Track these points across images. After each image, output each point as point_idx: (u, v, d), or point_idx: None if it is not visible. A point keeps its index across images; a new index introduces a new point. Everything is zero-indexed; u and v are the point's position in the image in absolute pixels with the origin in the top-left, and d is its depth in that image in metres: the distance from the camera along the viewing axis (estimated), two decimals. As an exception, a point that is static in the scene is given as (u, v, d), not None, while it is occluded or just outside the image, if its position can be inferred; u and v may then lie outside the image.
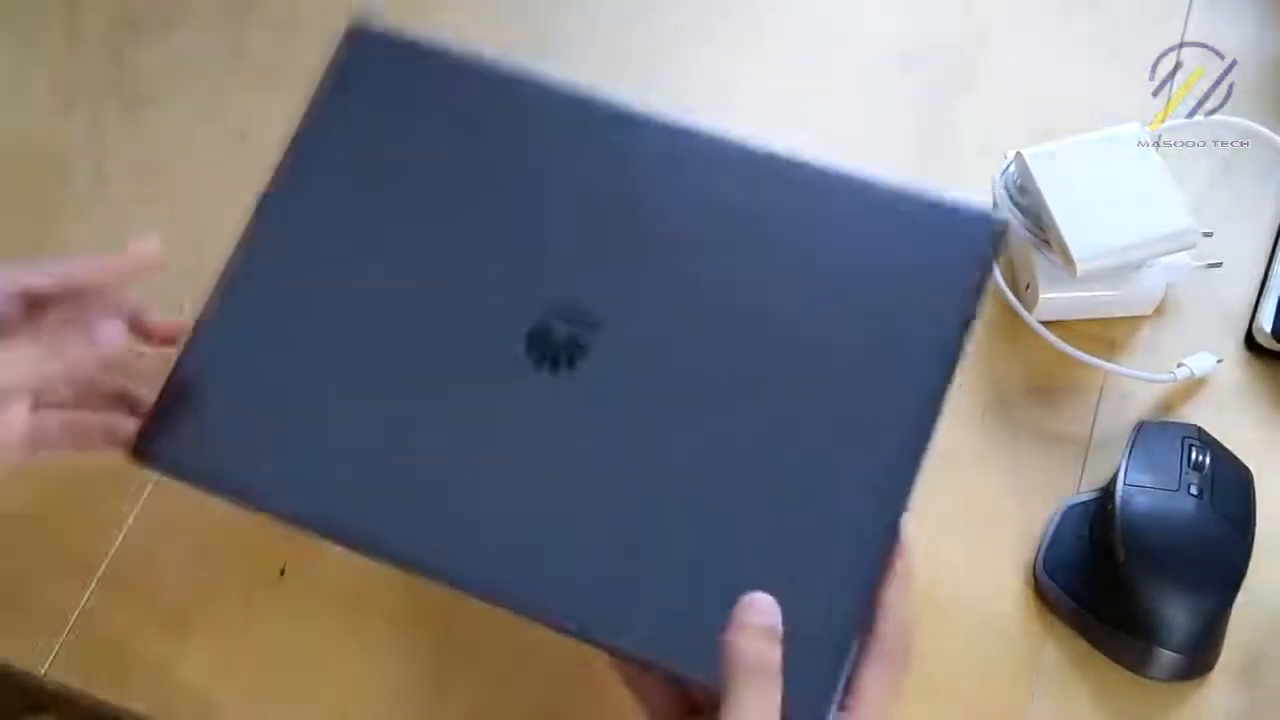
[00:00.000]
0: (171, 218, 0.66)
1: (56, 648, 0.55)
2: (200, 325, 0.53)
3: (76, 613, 0.56)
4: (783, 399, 0.48)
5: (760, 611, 0.43)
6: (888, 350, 0.48)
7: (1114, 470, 0.56)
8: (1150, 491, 0.54)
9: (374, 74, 0.56)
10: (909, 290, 0.48)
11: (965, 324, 0.47)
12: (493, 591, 0.48)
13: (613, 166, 0.52)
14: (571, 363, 0.49)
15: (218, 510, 0.56)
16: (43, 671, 0.55)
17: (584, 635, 0.46)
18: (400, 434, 0.50)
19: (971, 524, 0.59)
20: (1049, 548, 0.57)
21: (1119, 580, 0.54)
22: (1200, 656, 0.54)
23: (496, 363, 0.49)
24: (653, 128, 0.52)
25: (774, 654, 0.42)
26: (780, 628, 0.43)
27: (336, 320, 0.52)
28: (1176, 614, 0.53)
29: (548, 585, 0.47)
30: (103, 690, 0.54)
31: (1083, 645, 0.56)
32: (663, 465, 0.48)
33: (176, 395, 0.51)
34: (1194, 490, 0.54)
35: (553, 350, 0.49)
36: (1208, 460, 0.55)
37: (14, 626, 0.55)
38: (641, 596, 0.46)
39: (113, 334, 0.50)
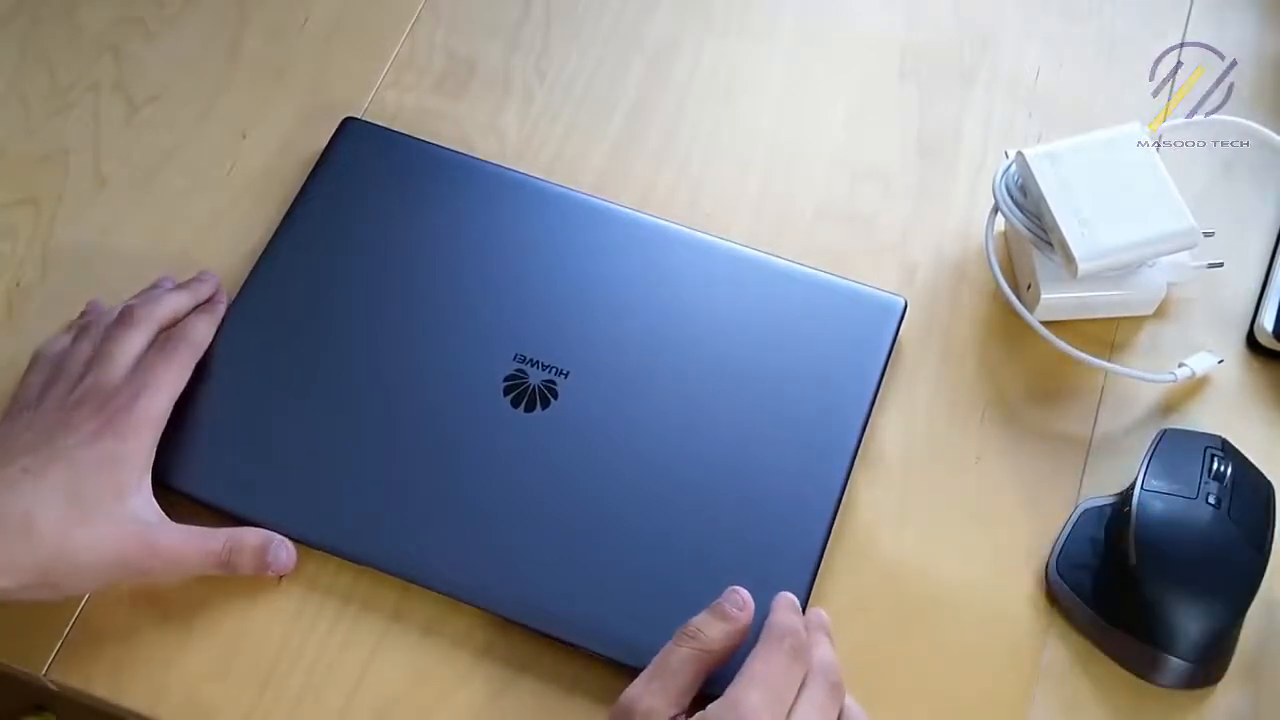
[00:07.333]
0: (171, 218, 0.66)
1: (56, 648, 0.55)
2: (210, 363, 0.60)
3: (76, 613, 0.56)
4: (722, 437, 0.58)
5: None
6: (812, 398, 0.59)
7: (1120, 472, 0.56)
8: (1168, 498, 0.54)
9: (364, 159, 0.65)
10: (832, 356, 0.60)
11: (877, 383, 0.59)
12: (477, 598, 0.55)
13: (578, 247, 0.63)
14: (545, 404, 0.58)
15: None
16: (43, 671, 0.55)
17: (552, 633, 0.54)
18: (395, 463, 0.57)
19: (972, 524, 0.59)
20: (1064, 548, 0.57)
21: (1131, 584, 0.54)
22: (1208, 666, 0.54)
23: (479, 403, 0.58)
24: (617, 218, 0.64)
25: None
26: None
27: (336, 367, 0.60)
28: (1186, 621, 0.53)
29: (525, 591, 0.55)
30: (103, 690, 0.54)
31: (1087, 647, 0.56)
32: (620, 488, 0.57)
33: (191, 427, 0.58)
34: (1212, 500, 0.54)
35: (527, 394, 0.58)
36: (1229, 471, 0.55)
37: (14, 626, 0.55)
38: (601, 598, 0.54)
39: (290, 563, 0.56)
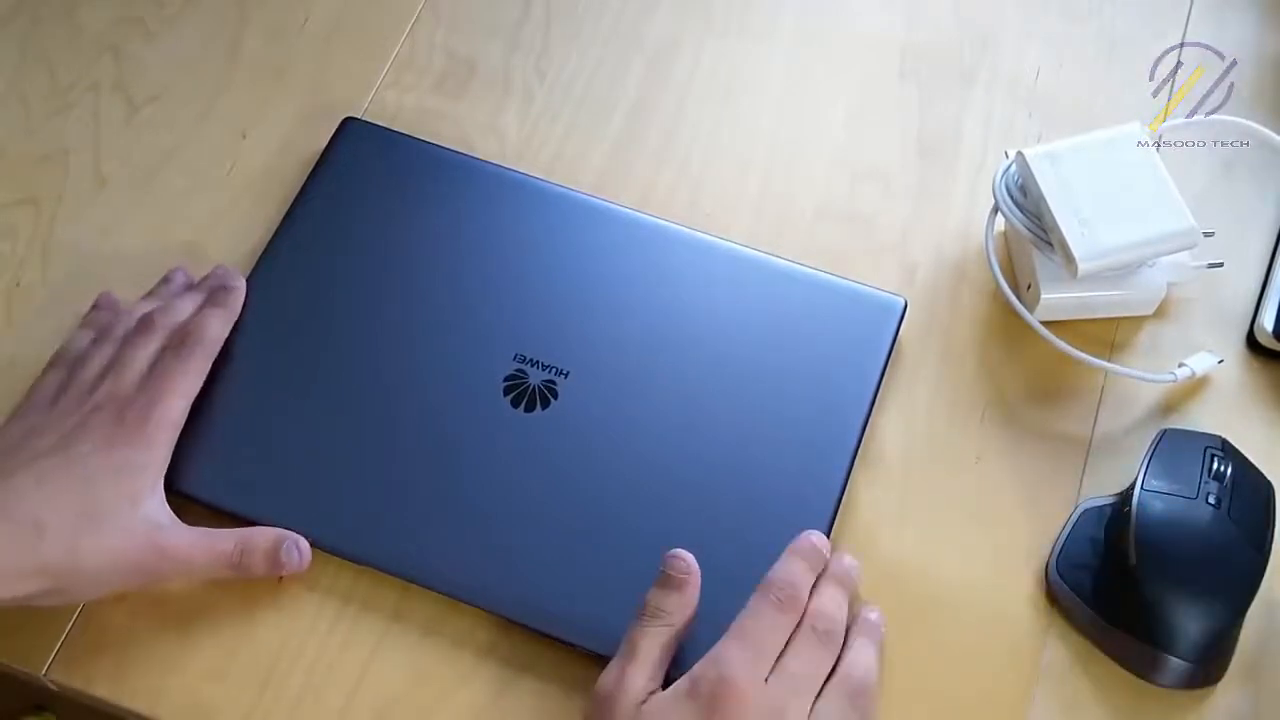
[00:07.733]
0: (171, 218, 0.66)
1: (56, 648, 0.55)
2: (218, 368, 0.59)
3: (76, 613, 0.56)
4: (722, 437, 0.58)
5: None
6: (812, 398, 0.59)
7: (1120, 472, 0.56)
8: (1168, 498, 0.54)
9: (364, 159, 0.65)
10: (832, 356, 0.60)
11: (877, 383, 0.59)
12: (477, 598, 0.55)
13: (578, 247, 0.63)
14: (545, 404, 0.58)
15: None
16: (43, 671, 0.55)
17: (552, 633, 0.54)
18: (396, 463, 0.57)
19: (972, 524, 0.59)
20: (1064, 548, 0.57)
21: (1131, 584, 0.54)
22: (1208, 666, 0.54)
23: (479, 403, 0.58)
24: (617, 218, 0.64)
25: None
26: None
27: (336, 367, 0.60)
28: (1186, 621, 0.53)
29: (525, 591, 0.55)
30: (103, 690, 0.54)
31: (1087, 647, 0.56)
32: (620, 488, 0.57)
33: (190, 428, 0.57)
34: (1212, 500, 0.54)
35: (527, 394, 0.58)
36: (1229, 471, 0.55)
37: (14, 626, 0.55)
38: (601, 598, 0.54)
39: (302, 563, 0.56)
